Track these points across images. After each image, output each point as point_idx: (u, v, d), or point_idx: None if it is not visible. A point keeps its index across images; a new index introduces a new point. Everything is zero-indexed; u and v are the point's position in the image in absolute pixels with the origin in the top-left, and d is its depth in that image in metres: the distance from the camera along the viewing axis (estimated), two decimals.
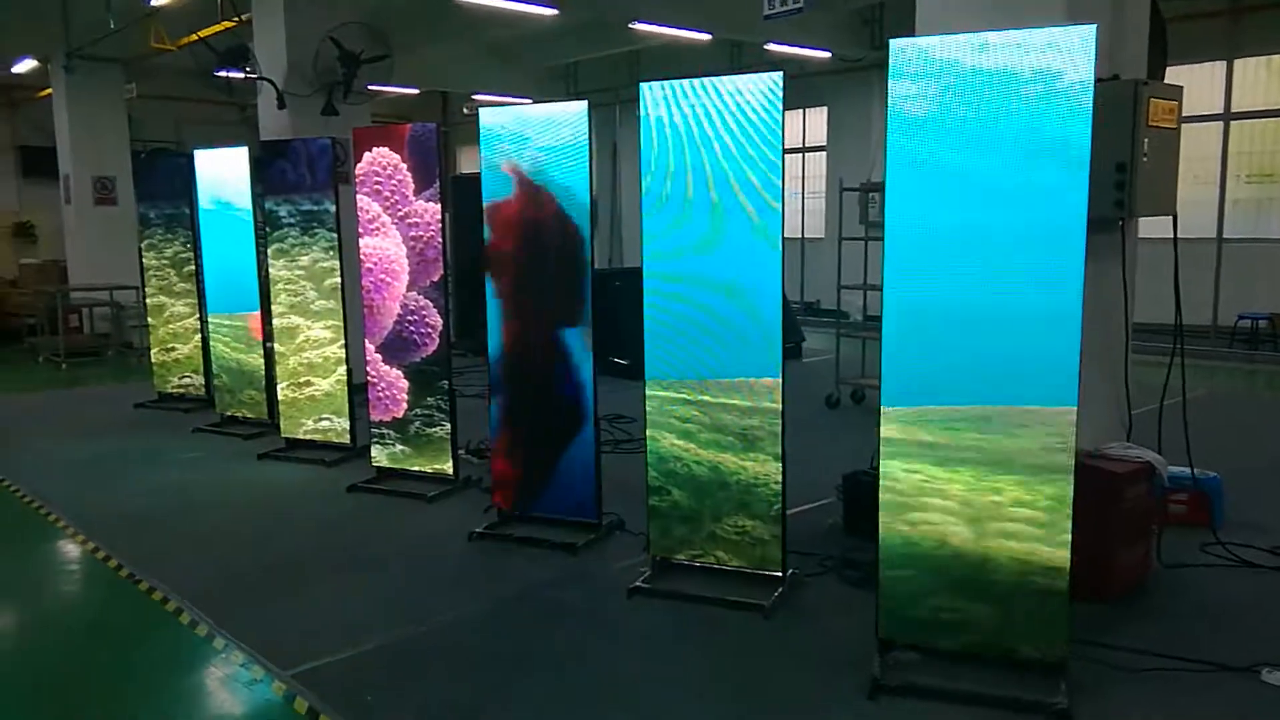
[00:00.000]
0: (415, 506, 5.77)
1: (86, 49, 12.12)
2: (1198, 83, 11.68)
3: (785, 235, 4.01)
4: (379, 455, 6.19)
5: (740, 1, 10.27)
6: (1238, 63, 11.78)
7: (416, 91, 18.61)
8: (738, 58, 15.72)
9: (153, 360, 8.91)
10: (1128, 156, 3.95)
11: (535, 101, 17.14)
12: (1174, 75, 5.00)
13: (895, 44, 3.34)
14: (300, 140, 6.71)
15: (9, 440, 7.72)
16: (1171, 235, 4.29)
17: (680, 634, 4.00)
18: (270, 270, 6.80)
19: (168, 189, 8.47)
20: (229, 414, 7.90)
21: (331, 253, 6.54)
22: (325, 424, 6.88)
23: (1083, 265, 3.21)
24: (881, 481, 3.52)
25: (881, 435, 3.51)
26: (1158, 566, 4.44)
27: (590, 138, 4.73)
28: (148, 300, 8.83)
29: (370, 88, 9.10)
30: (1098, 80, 3.97)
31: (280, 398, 7.02)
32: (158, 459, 7.01)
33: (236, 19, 9.27)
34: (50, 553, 5.28)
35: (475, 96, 18.28)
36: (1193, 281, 10.12)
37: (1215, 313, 11.52)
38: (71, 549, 5.25)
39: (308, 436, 6.93)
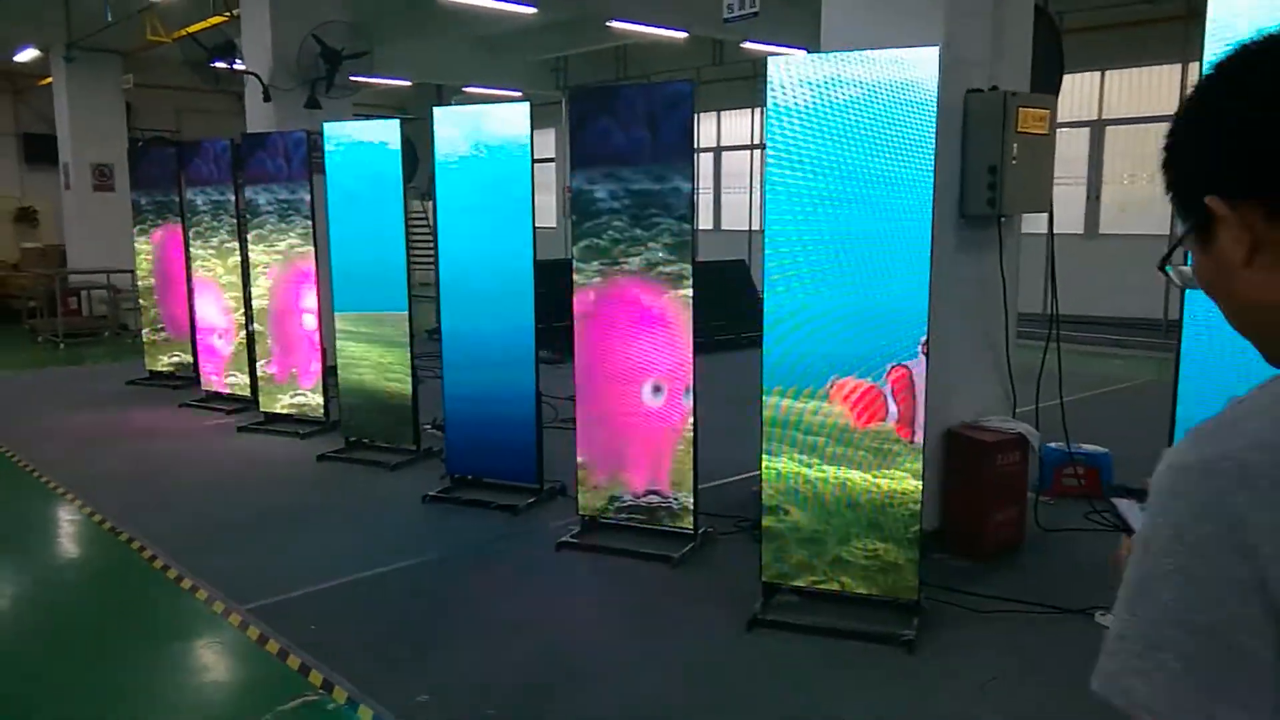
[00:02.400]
0: (377, 474, 6.27)
1: (86, 40, 12.60)
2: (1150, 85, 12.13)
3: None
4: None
5: (712, 1, 10.72)
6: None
7: (409, 83, 19.04)
8: (719, 55, 16.17)
9: (144, 340, 9.43)
10: (998, 160, 4.42)
11: (524, 95, 17.58)
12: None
13: (771, 61, 3.82)
14: (278, 133, 7.21)
15: (8, 413, 8.24)
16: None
17: (596, 580, 4.51)
18: (250, 254, 7.31)
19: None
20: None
21: (306, 238, 7.04)
22: (300, 399, 7.39)
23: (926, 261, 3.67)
24: (764, 458, 4.02)
25: (764, 418, 4.00)
26: (1036, 529, 4.93)
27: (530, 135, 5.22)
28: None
29: (354, 79, 9.57)
30: (972, 91, 4.50)
31: (260, 375, 7.53)
32: (146, 430, 7.52)
33: (227, 14, 9.75)
34: (43, 511, 5.78)
35: (466, 89, 18.74)
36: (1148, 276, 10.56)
37: (1165, 306, 11.96)
38: (62, 507, 5.76)
39: (285, 410, 7.43)
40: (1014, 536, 4.75)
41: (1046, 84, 5.58)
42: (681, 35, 13.46)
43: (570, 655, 3.76)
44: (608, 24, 12.54)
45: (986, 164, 4.45)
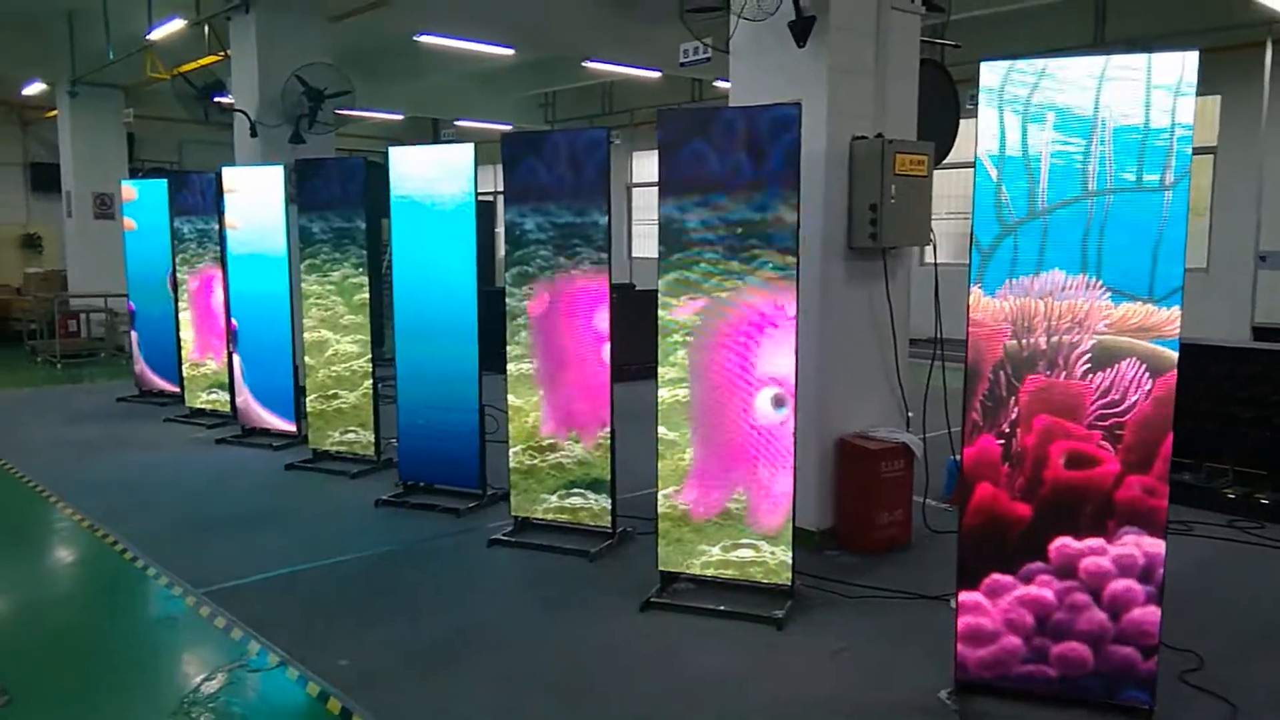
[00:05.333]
0: (339, 481, 6.80)
1: (89, 76, 13.31)
2: None
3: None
4: (315, 438, 7.24)
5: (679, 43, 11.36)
6: None
7: (401, 117, 19.73)
8: (699, 92, 16.84)
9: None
10: (878, 199, 4.98)
11: (514, 128, 18.20)
12: None
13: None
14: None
15: (3, 426, 8.79)
16: None
17: (519, 572, 5.04)
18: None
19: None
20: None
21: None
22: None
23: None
24: (659, 469, 4.55)
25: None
26: (926, 531, 5.44)
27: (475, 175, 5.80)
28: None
29: (344, 113, 10.20)
30: (857, 138, 5.07)
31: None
32: (130, 442, 8.07)
33: (223, 53, 10.41)
34: (31, 512, 6.30)
35: (457, 122, 19.45)
36: None
37: None
38: (48, 510, 6.29)
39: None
40: (900, 535, 5.26)
41: (948, 130, 6.18)
42: (655, 75, 14.10)
43: (481, 630, 4.28)
44: (584, 64, 13.18)
45: (869, 202, 5.01)
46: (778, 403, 4.29)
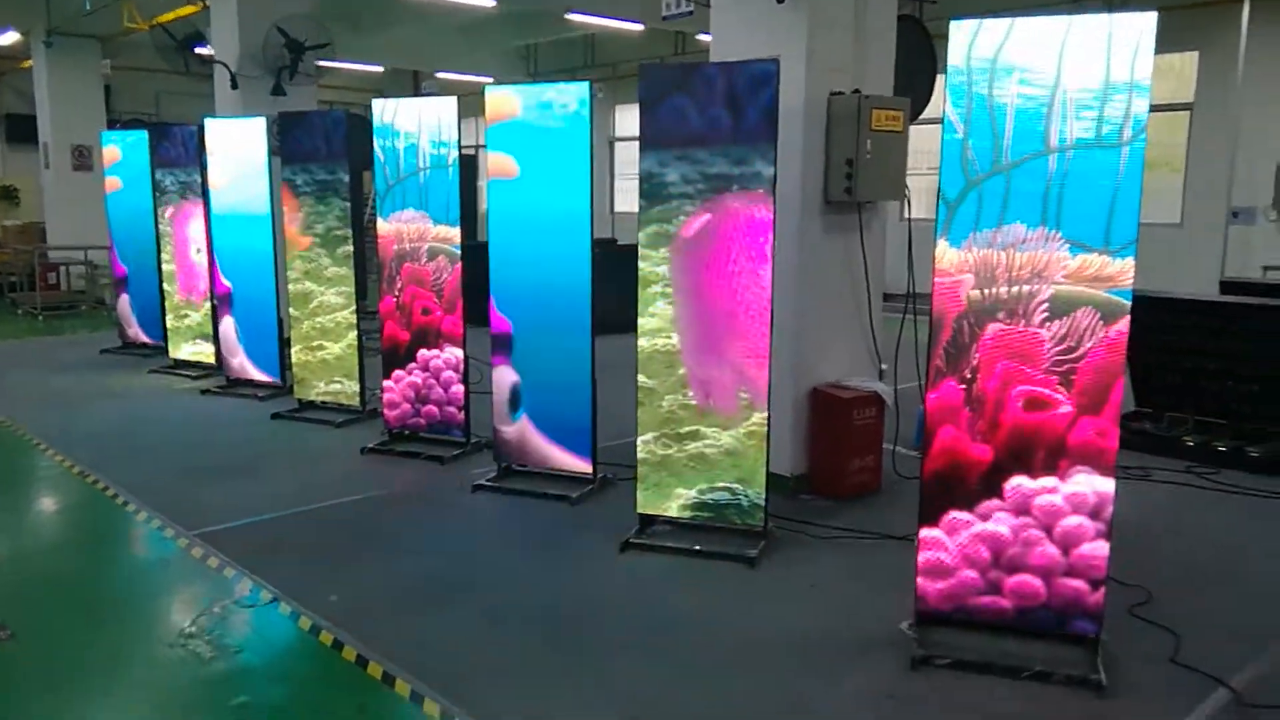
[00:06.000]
0: (325, 431, 6.93)
1: (65, 26, 13.15)
2: None
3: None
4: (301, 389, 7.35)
5: None
6: None
7: (383, 69, 19.58)
8: (681, 45, 16.77)
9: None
10: (854, 154, 5.09)
11: (496, 81, 18.16)
12: None
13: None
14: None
15: None
16: None
17: (502, 515, 5.20)
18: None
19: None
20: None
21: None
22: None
23: None
24: (639, 416, 4.69)
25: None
26: (896, 476, 5.63)
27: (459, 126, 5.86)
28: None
29: (325, 64, 10.16)
30: (834, 94, 5.16)
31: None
32: (117, 393, 8.15)
33: (201, 3, 10.33)
34: (23, 460, 6.41)
35: (438, 75, 19.31)
36: None
37: None
38: (37, 457, 6.39)
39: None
40: (871, 481, 5.45)
41: (924, 85, 6.27)
42: (638, 27, 14.05)
43: (463, 569, 4.44)
44: (567, 15, 13.12)
45: (844, 157, 5.12)
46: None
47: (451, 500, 5.42)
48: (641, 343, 4.66)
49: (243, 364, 8.09)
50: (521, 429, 5.55)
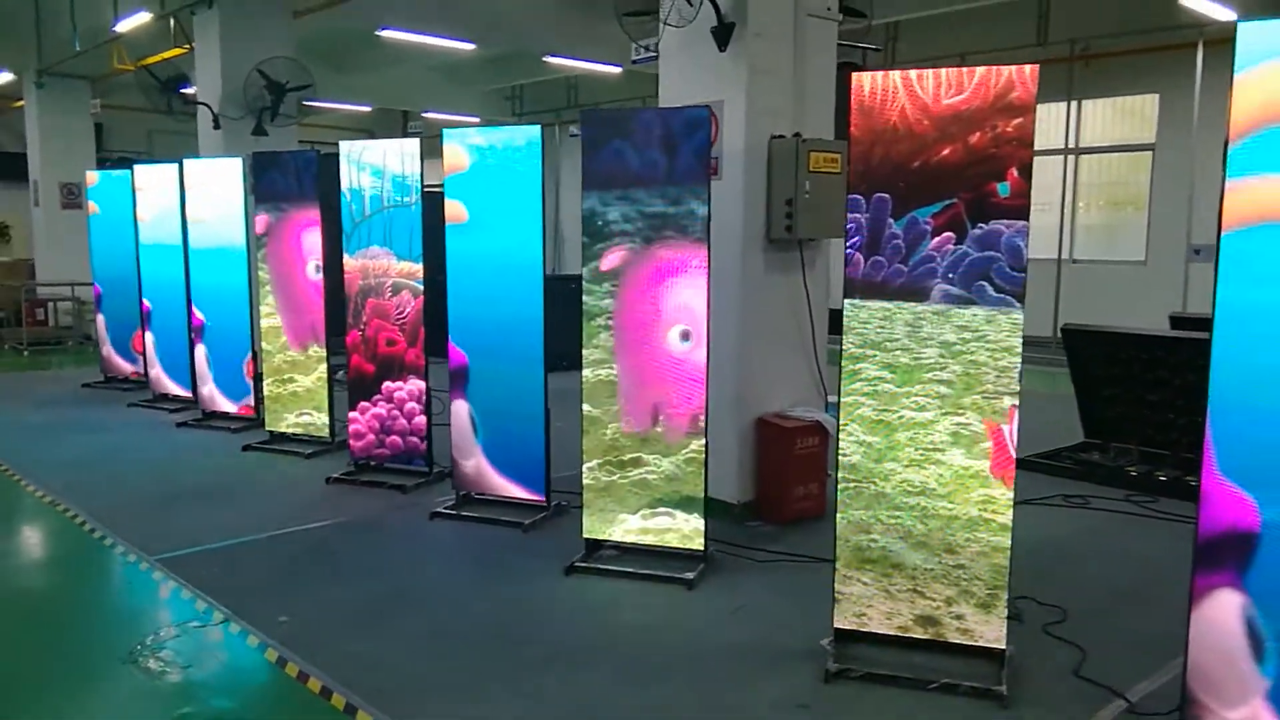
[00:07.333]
0: (294, 461, 7.11)
1: (56, 67, 13.47)
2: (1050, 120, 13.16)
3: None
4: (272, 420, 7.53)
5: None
6: (1085, 103, 13.26)
7: (369, 108, 19.94)
8: (658, 87, 17.11)
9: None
10: (794, 194, 5.33)
11: (484, 122, 18.47)
12: None
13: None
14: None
15: None
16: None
17: (457, 541, 5.38)
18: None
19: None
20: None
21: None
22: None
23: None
24: (584, 444, 4.91)
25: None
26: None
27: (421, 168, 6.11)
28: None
29: (308, 104, 10.44)
30: (775, 137, 5.41)
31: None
32: (94, 425, 8.33)
33: (188, 45, 10.64)
34: None
35: (425, 114, 19.68)
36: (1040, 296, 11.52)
37: (1055, 324, 12.96)
38: (12, 487, 6.55)
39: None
40: (814, 508, 5.63)
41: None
42: (615, 70, 14.41)
43: (413, 591, 4.61)
44: (545, 59, 13.48)
45: (785, 197, 5.37)
46: (684, 337, 4.70)
47: (409, 527, 5.59)
48: (586, 373, 4.86)
49: (212, 393, 8.27)
50: (477, 460, 5.74)
